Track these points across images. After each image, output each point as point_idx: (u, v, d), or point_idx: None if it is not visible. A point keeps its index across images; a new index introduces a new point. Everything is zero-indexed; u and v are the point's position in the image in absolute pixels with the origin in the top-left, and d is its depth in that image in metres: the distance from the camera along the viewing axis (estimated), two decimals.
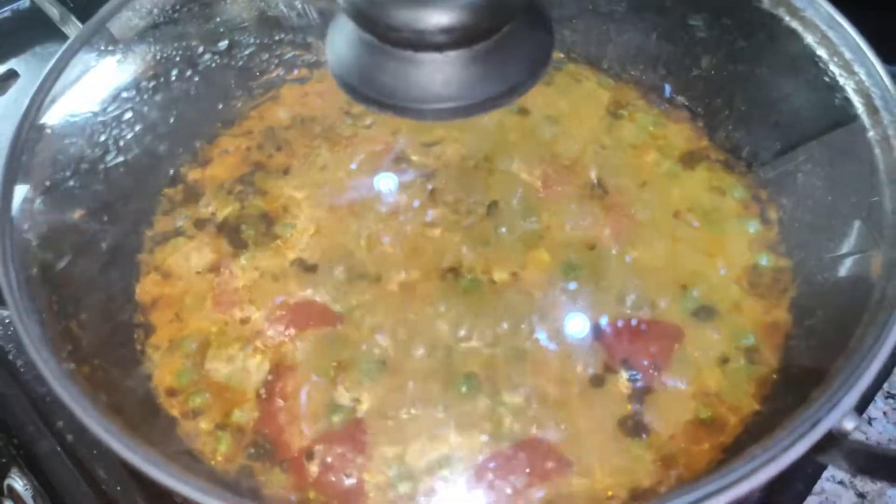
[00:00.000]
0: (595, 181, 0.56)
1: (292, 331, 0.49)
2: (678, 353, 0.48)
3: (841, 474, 0.53)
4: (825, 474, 0.53)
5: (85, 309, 0.44)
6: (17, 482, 0.53)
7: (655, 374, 0.47)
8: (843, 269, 0.46)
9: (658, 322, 0.49)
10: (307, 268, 0.52)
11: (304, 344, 0.48)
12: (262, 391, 0.47)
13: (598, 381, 0.47)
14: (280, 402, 0.46)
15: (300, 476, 0.43)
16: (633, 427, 0.45)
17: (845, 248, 0.46)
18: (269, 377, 0.47)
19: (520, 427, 0.45)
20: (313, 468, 0.43)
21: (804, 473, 0.52)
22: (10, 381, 0.56)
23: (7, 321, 0.60)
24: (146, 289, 0.51)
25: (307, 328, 0.49)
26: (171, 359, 0.48)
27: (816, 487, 0.52)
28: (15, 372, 0.57)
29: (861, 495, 0.52)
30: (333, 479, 0.43)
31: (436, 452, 0.44)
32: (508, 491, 0.42)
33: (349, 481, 0.43)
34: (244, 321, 0.50)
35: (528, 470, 0.43)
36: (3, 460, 0.55)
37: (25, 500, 0.52)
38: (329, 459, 0.43)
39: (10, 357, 0.58)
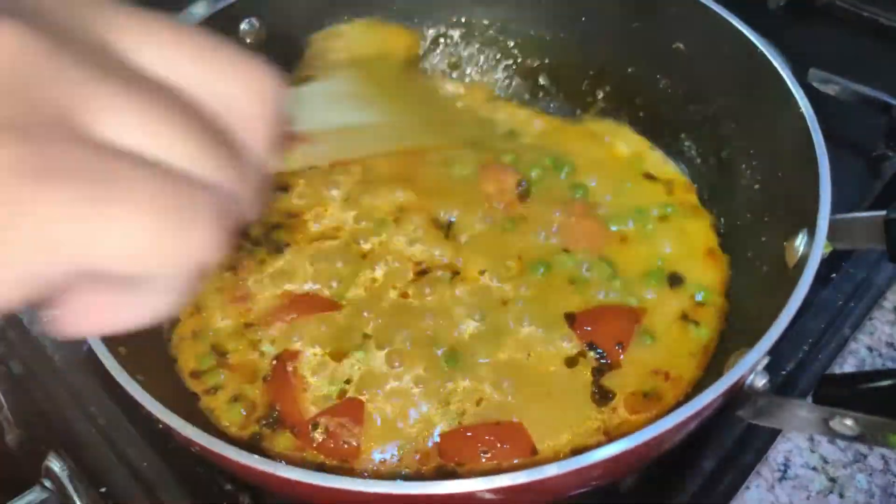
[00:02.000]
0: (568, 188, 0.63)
1: (296, 318, 0.55)
2: (638, 331, 0.54)
3: (814, 460, 0.54)
4: (798, 461, 0.54)
5: None
6: (55, 464, 0.56)
7: (620, 351, 0.53)
8: (772, 261, 0.52)
9: (621, 307, 0.56)
10: (310, 264, 0.59)
11: (306, 329, 0.54)
12: (270, 371, 0.53)
13: (571, 362, 0.54)
14: (289, 380, 0.52)
15: (306, 441, 0.50)
16: (600, 395, 0.52)
17: (774, 245, 0.52)
18: (277, 359, 0.53)
19: (495, 403, 0.51)
20: (317, 436, 0.50)
21: (753, 445, 0.55)
22: (51, 373, 0.60)
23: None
24: None
25: (310, 315, 0.55)
26: (193, 345, 0.55)
27: (790, 473, 0.54)
28: (54, 366, 0.61)
29: (832, 479, 0.53)
30: (333, 444, 0.49)
31: (422, 423, 0.50)
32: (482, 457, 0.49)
33: (347, 446, 0.49)
34: (256, 310, 0.56)
35: (500, 443, 0.49)
36: (42, 446, 0.58)
37: (62, 480, 0.55)
38: (331, 428, 0.50)
39: (49, 352, 0.62)
